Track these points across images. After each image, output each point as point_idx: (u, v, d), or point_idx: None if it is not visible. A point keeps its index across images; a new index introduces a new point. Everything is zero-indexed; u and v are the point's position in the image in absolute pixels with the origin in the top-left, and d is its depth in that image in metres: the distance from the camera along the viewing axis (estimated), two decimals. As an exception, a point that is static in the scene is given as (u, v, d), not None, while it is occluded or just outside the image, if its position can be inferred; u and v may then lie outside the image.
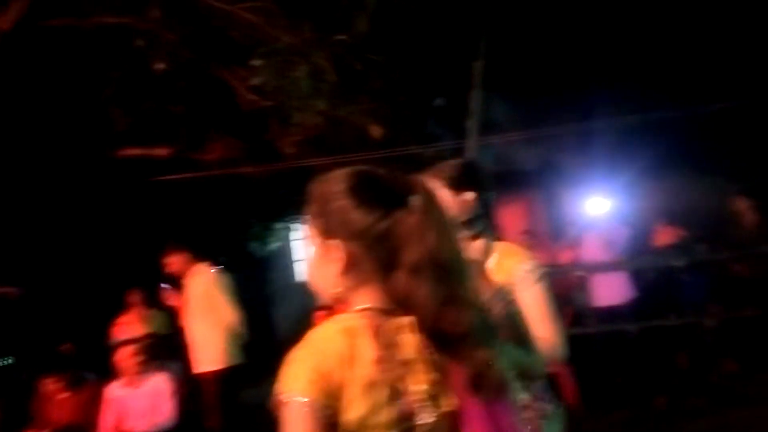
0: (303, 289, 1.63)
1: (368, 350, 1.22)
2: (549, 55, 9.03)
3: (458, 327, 1.23)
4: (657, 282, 6.84)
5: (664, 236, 7.05)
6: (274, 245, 11.90)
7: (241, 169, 7.86)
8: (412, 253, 1.24)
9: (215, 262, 5.91)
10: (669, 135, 8.43)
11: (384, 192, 1.28)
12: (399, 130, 8.80)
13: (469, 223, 2.13)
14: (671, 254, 6.65)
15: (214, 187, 8.24)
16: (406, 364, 1.24)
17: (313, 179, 1.36)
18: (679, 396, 6.10)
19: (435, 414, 1.25)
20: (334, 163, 7.86)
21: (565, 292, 7.11)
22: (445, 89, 9.39)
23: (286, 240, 12.22)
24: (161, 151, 7.86)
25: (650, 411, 5.92)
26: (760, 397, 5.79)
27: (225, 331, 5.42)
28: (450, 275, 1.25)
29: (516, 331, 1.90)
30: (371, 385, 1.21)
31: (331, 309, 1.48)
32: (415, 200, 1.26)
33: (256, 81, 6.52)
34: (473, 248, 2.07)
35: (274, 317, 10.87)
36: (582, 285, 6.76)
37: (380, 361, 1.22)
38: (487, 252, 2.13)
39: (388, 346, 1.23)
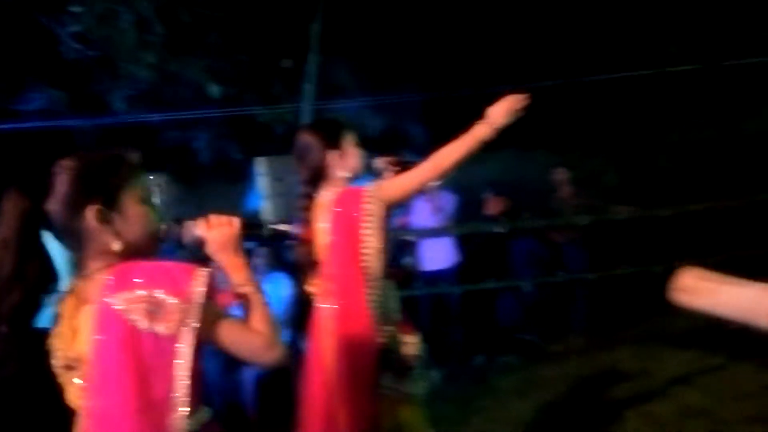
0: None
1: None
2: (396, 23, 9.17)
3: None
4: (481, 248, 7.18)
5: (492, 205, 7.38)
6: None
7: (64, 120, 7.36)
8: None
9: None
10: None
11: None
12: (242, 90, 8.57)
13: None
14: (496, 222, 7.00)
15: (37, 139, 7.69)
16: None
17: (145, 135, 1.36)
18: (495, 354, 6.50)
19: None
20: (166, 119, 7.58)
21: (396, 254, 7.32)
22: (290, 51, 9.29)
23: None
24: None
25: (468, 368, 6.26)
26: (565, 354, 6.30)
27: None
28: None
29: None
30: None
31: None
32: None
33: (77, 28, 6.10)
34: None
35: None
36: (411, 249, 6.97)
37: None
38: None
39: None
